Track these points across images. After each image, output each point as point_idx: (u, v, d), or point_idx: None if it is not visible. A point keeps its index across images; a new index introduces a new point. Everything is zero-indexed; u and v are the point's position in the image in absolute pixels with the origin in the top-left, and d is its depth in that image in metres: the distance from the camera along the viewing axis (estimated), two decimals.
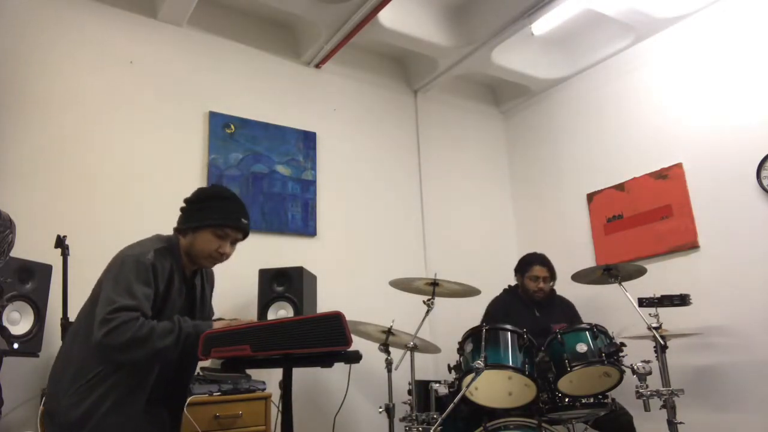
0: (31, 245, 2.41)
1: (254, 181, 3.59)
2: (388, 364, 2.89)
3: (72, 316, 2.20)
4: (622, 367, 2.61)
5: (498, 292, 3.61)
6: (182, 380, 2.04)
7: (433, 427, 2.56)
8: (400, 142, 4.37)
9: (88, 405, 1.73)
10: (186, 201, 2.07)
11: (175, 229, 2.04)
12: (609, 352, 2.61)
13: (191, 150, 3.43)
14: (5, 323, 2.31)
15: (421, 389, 2.91)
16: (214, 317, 2.25)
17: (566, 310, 3.53)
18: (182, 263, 2.00)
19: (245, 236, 2.08)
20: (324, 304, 3.36)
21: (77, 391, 1.74)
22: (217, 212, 1.99)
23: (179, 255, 1.99)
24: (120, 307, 1.73)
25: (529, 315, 3.41)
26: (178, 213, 2.08)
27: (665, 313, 2.79)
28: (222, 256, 2.02)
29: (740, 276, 3.24)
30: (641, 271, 2.98)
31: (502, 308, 3.46)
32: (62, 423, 1.74)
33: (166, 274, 1.90)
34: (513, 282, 3.63)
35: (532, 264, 3.48)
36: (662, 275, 3.49)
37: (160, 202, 3.13)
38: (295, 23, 3.93)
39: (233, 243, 2.05)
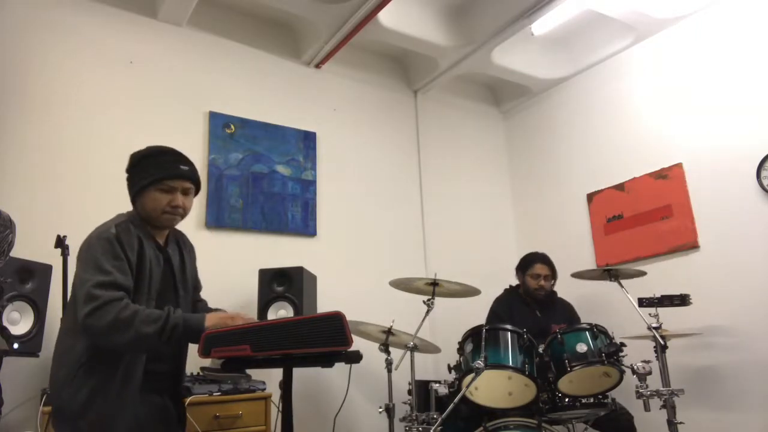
0: (31, 245, 2.42)
1: (254, 181, 3.59)
2: (388, 364, 2.89)
3: None
4: (622, 367, 2.61)
5: (498, 292, 3.61)
6: (176, 369, 2.03)
7: (433, 427, 2.56)
8: (400, 142, 4.37)
9: (86, 392, 1.74)
10: (126, 171, 2.03)
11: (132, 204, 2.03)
12: (609, 352, 2.61)
13: (191, 150, 3.34)
14: (5, 323, 2.30)
15: (421, 389, 2.91)
16: (213, 309, 2.22)
17: (566, 312, 3.53)
18: (150, 232, 1.99)
19: (195, 183, 2.03)
20: (324, 304, 3.35)
21: (72, 381, 1.75)
22: (153, 168, 1.97)
23: (144, 225, 1.98)
24: (97, 284, 1.72)
25: (531, 315, 3.42)
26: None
27: (665, 313, 2.79)
28: (177, 209, 1.98)
29: (740, 276, 3.24)
30: (641, 272, 2.98)
31: (506, 307, 3.47)
32: (68, 415, 1.75)
33: (135, 244, 1.88)
34: (513, 281, 3.64)
35: (533, 262, 3.51)
36: (662, 275, 3.49)
37: None
38: (295, 23, 3.93)
39: (185, 194, 2.00)
